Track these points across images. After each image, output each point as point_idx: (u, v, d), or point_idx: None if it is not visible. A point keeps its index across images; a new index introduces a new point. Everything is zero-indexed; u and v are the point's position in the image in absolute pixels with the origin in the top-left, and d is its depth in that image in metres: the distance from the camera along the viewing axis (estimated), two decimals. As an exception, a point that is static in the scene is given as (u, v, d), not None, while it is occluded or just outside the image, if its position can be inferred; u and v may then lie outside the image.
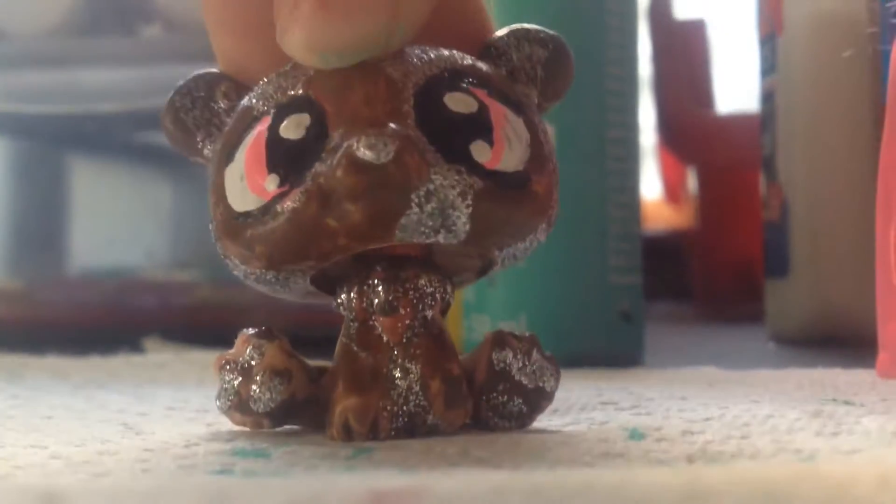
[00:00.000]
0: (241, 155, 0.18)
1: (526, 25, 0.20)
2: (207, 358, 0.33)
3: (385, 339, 0.19)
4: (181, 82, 0.20)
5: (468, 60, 0.19)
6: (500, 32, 0.20)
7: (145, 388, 0.28)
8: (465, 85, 0.18)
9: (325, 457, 0.17)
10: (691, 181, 0.63)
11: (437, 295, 0.19)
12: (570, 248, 0.32)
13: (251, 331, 0.19)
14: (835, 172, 0.40)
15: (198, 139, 0.20)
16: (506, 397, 0.19)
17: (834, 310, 0.40)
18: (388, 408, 0.18)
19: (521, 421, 0.19)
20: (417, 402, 0.18)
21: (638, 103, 0.35)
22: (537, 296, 0.32)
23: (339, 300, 0.19)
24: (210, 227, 0.19)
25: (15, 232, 0.48)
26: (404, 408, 0.18)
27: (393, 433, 0.18)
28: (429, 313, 0.19)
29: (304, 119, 0.18)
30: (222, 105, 0.19)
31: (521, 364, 0.19)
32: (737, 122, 0.58)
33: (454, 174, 0.18)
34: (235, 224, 0.18)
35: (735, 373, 0.28)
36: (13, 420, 0.22)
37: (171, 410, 0.23)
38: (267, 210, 0.18)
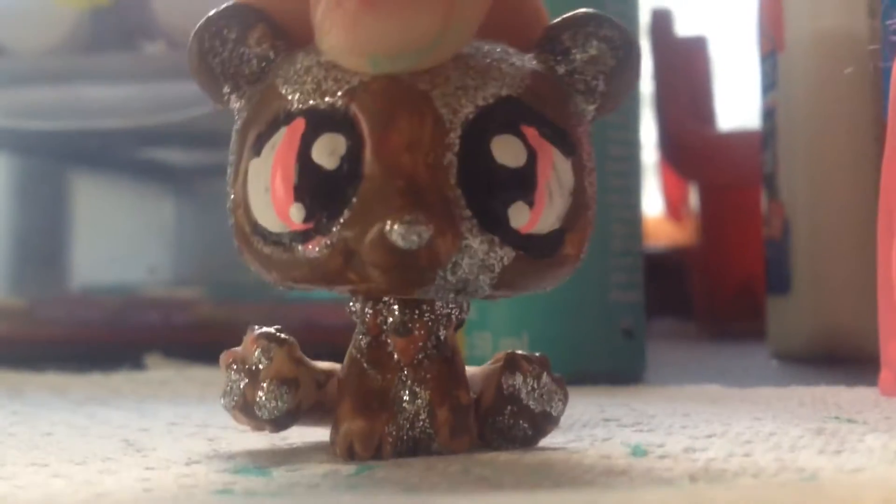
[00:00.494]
0: (269, 157, 0.17)
1: (594, 14, 0.18)
2: (209, 375, 0.33)
3: (396, 358, 0.18)
4: (211, 14, 0.18)
5: (525, 75, 0.18)
6: (566, 21, 0.18)
7: (147, 405, 0.27)
8: (517, 122, 0.17)
9: (326, 475, 0.17)
10: (693, 198, 0.63)
11: (453, 315, 0.19)
12: (572, 265, 0.32)
13: (260, 330, 0.19)
14: (836, 190, 0.40)
15: (224, 89, 0.18)
16: (511, 421, 0.19)
17: (836, 327, 0.40)
18: (394, 433, 0.18)
19: (526, 443, 0.19)
20: (423, 428, 0.18)
21: (639, 120, 0.35)
22: (539, 312, 0.32)
23: (353, 307, 0.19)
24: (228, 205, 0.18)
25: (17, 249, 0.48)
26: (409, 433, 0.18)
27: (395, 456, 0.18)
28: (443, 334, 0.18)
29: (339, 144, 0.17)
30: (255, 52, 0.18)
31: (529, 388, 0.19)
32: (738, 139, 0.58)
33: (486, 247, 0.17)
34: (255, 238, 0.18)
35: (737, 390, 0.28)
36: (14, 437, 0.22)
37: (173, 426, 0.23)
38: (289, 243, 0.17)
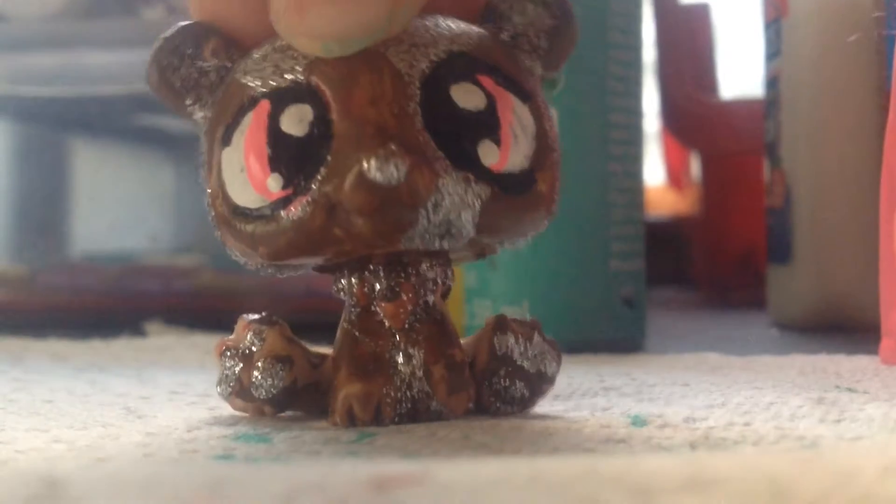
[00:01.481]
0: (240, 141, 0.18)
1: None
2: (209, 342, 0.33)
3: (387, 324, 0.18)
4: (166, 34, 0.19)
5: (472, 36, 0.19)
6: None
7: (147, 372, 0.28)
8: (472, 72, 0.18)
9: (327, 442, 0.17)
10: (694, 167, 0.63)
11: (439, 279, 0.19)
12: (573, 233, 0.32)
13: (251, 316, 0.19)
14: (839, 158, 0.40)
15: (187, 102, 0.19)
16: (507, 381, 0.19)
17: (837, 296, 0.40)
18: (392, 394, 0.18)
19: (523, 405, 0.19)
20: (420, 388, 0.18)
21: (641, 88, 0.34)
22: (539, 281, 0.32)
23: (339, 285, 0.19)
24: (206, 202, 0.19)
25: (17, 216, 0.48)
26: (407, 394, 0.18)
27: (396, 419, 0.18)
28: (430, 298, 0.19)
29: (307, 112, 0.18)
30: (211, 64, 0.19)
31: (522, 349, 0.19)
32: (741, 108, 0.58)
33: (462, 184, 0.17)
34: (237, 219, 0.18)
35: (738, 359, 0.28)
36: (15, 404, 0.22)
37: (174, 394, 0.23)
38: (271, 213, 0.18)
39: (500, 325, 0.19)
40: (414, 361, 0.18)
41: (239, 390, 0.19)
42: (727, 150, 0.57)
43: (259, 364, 0.19)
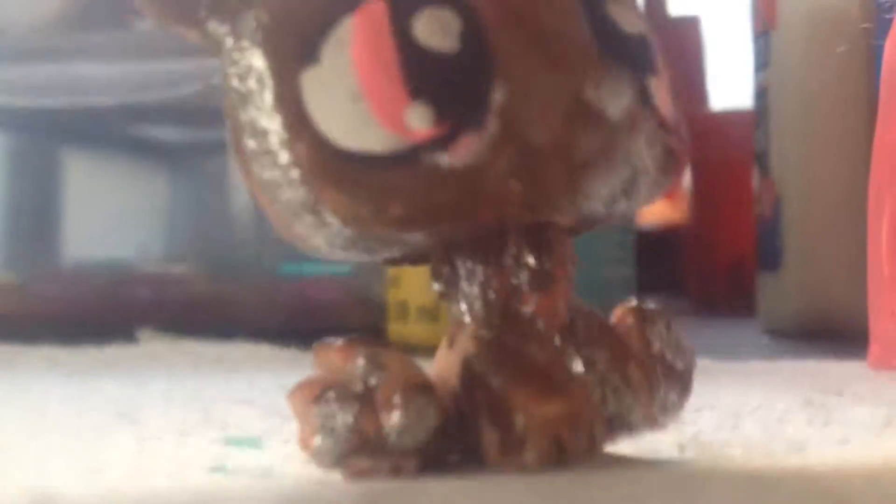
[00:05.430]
0: (343, 59, 0.13)
1: None
2: (202, 349, 0.33)
3: (538, 324, 0.14)
4: None
5: None
6: None
7: (139, 378, 0.28)
8: None
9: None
10: (685, 176, 0.64)
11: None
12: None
13: (342, 341, 0.14)
14: (827, 168, 0.41)
15: (201, 11, 0.14)
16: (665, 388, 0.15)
17: (826, 303, 0.40)
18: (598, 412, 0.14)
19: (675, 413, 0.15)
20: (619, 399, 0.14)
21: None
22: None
23: (441, 287, 0.14)
24: (269, 143, 0.14)
25: (9, 225, 0.48)
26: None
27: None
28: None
29: (451, 21, 0.13)
30: None
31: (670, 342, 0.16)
32: (730, 119, 0.58)
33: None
34: (344, 167, 0.13)
35: (727, 364, 0.28)
36: (7, 409, 0.22)
37: (166, 399, 0.23)
38: (415, 157, 0.13)
39: (644, 314, 0.15)
40: (599, 366, 0.14)
41: (360, 444, 0.14)
42: (718, 160, 0.58)
43: (397, 401, 0.13)
